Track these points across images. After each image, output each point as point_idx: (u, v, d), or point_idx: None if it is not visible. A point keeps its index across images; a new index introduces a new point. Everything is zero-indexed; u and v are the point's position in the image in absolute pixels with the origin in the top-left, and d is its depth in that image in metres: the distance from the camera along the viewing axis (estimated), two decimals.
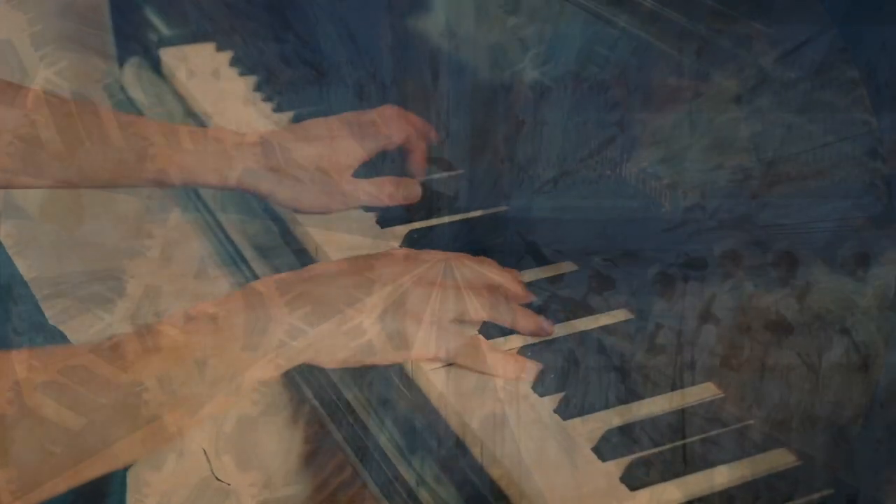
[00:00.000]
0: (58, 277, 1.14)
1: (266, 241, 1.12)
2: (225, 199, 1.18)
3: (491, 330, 0.91)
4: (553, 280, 0.97)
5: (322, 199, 1.06)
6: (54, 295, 1.11)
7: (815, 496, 0.77)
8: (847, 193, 0.75)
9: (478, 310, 0.90)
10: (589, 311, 0.94)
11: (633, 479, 0.77)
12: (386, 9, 1.17)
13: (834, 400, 0.77)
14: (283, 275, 0.87)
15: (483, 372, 0.87)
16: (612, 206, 0.96)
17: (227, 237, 1.16)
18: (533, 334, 0.91)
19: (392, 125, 1.11)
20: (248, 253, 1.12)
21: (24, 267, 1.08)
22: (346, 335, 0.84)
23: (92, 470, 0.75)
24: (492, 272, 0.93)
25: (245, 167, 1.04)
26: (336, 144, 1.07)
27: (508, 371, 0.87)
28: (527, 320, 0.91)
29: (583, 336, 0.91)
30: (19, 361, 0.73)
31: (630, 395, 0.84)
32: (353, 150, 1.08)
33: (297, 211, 1.07)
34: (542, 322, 0.91)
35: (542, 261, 0.99)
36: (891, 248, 0.73)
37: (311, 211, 1.07)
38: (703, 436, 0.81)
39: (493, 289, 0.91)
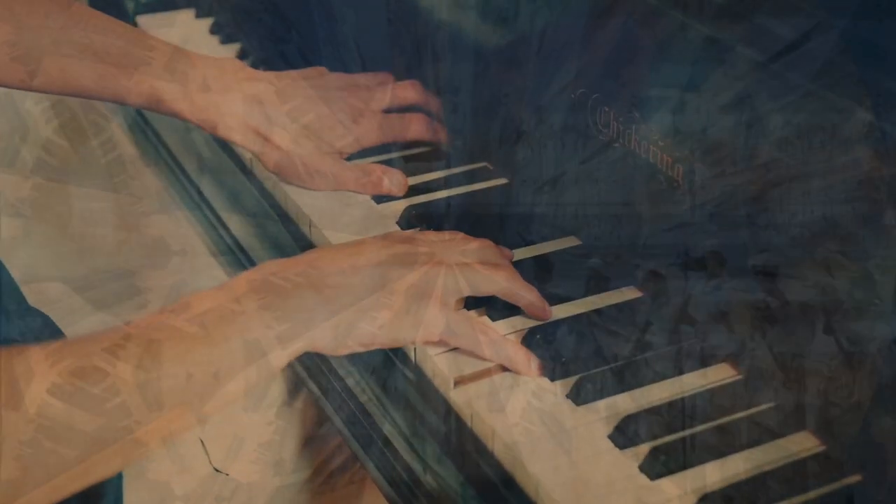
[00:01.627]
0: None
1: (259, 211, 1.09)
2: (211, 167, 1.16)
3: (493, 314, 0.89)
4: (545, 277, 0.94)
5: (308, 178, 1.04)
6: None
7: (837, 484, 0.75)
8: (849, 193, 0.73)
9: (493, 282, 0.87)
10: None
11: (653, 468, 0.75)
12: None
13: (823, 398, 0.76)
14: (286, 288, 0.81)
15: (487, 359, 0.85)
16: (611, 205, 0.93)
17: (214, 212, 1.13)
18: (538, 313, 0.88)
19: (410, 120, 1.09)
20: (246, 242, 1.09)
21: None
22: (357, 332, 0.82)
23: (99, 470, 0.72)
24: (494, 250, 0.91)
25: (237, 124, 1.02)
26: (328, 132, 1.05)
27: (511, 358, 0.84)
28: (535, 295, 0.88)
29: (590, 316, 0.88)
30: (37, 362, 0.70)
31: (645, 379, 0.82)
32: (359, 134, 1.06)
33: (282, 180, 1.05)
34: (545, 303, 0.89)
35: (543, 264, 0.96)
36: (892, 248, 0.71)
37: (295, 184, 1.05)
38: (723, 420, 0.79)
39: (501, 265, 0.89)
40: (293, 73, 1.09)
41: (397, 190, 1.04)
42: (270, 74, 1.07)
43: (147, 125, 1.27)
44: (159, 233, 1.18)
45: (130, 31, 1.03)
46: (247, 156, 1.10)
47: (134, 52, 1.00)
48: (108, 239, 1.17)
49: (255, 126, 1.03)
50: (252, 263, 1.07)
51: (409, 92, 1.11)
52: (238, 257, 1.10)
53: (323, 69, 1.11)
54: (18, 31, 0.97)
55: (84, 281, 1.11)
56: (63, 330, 0.98)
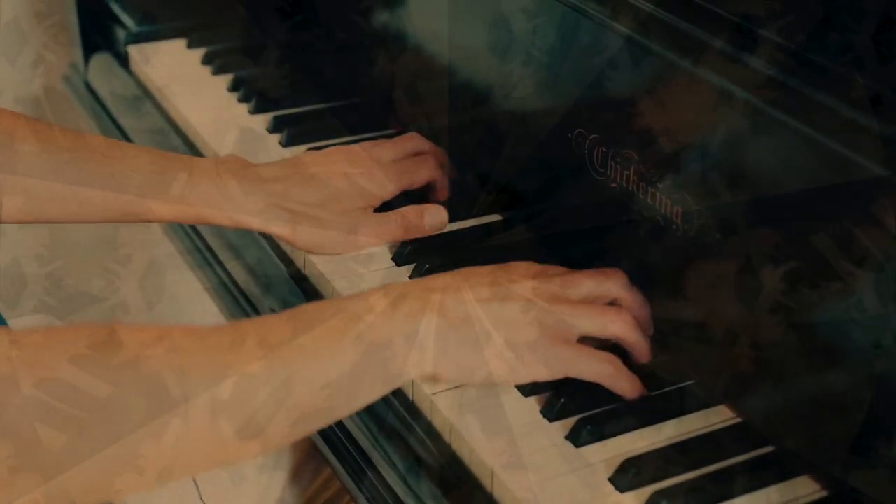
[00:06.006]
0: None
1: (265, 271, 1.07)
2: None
3: None
4: None
5: (348, 244, 0.99)
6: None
7: None
8: (850, 193, 0.73)
9: (604, 327, 0.85)
10: None
11: None
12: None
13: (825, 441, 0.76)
14: None
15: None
16: (609, 245, 0.93)
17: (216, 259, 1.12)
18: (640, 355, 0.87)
19: (418, 162, 1.06)
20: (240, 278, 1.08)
21: None
22: None
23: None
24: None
25: (257, 209, 0.98)
26: (349, 193, 1.00)
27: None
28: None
29: None
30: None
31: (646, 421, 0.82)
32: (377, 187, 1.01)
33: (316, 253, 1.00)
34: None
35: None
36: (891, 249, 0.71)
37: (332, 252, 0.99)
38: (727, 462, 0.79)
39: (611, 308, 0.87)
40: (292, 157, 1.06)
41: (440, 225, 1.01)
42: (270, 163, 1.03)
43: None
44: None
45: (130, 153, 0.99)
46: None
47: (149, 179, 0.97)
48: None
49: (277, 207, 0.97)
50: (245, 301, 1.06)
51: (411, 143, 1.08)
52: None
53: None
54: None
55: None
56: None
